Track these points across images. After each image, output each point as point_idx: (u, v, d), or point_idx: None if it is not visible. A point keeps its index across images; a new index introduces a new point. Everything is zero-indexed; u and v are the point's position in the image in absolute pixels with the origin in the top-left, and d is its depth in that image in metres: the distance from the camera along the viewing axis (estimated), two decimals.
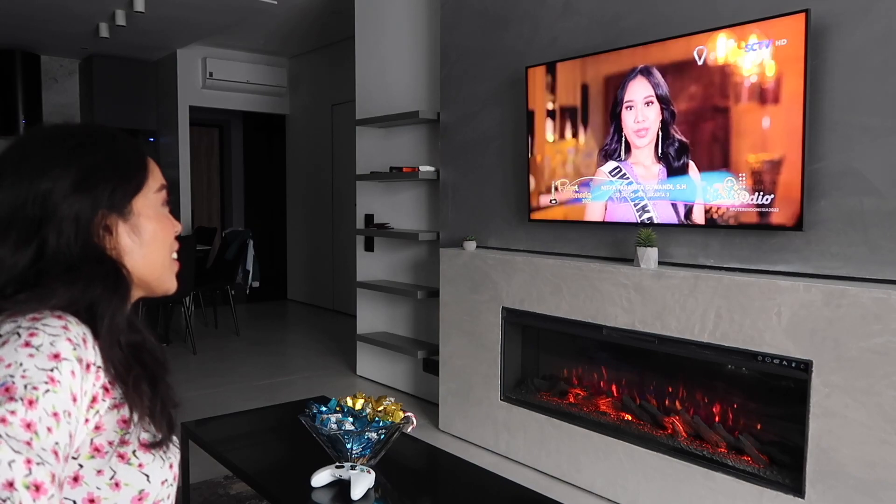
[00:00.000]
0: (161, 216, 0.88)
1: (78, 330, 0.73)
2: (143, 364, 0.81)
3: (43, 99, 7.06)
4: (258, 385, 4.40)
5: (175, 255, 0.91)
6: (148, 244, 0.86)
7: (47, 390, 0.66)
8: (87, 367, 0.73)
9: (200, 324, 6.17)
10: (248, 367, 4.87)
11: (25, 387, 0.65)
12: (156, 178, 0.88)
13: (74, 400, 0.70)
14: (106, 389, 0.76)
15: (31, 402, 0.65)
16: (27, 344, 0.68)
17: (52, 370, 0.68)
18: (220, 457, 2.11)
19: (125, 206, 0.83)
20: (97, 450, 0.75)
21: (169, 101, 7.11)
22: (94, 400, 0.74)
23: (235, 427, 2.53)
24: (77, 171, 0.80)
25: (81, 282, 0.76)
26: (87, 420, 0.73)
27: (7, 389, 0.65)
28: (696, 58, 2.42)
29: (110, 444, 0.76)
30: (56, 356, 0.69)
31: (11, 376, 0.65)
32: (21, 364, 0.67)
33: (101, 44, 6.42)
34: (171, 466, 0.82)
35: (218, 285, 5.81)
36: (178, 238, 0.92)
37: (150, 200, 0.86)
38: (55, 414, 0.66)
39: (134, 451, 0.77)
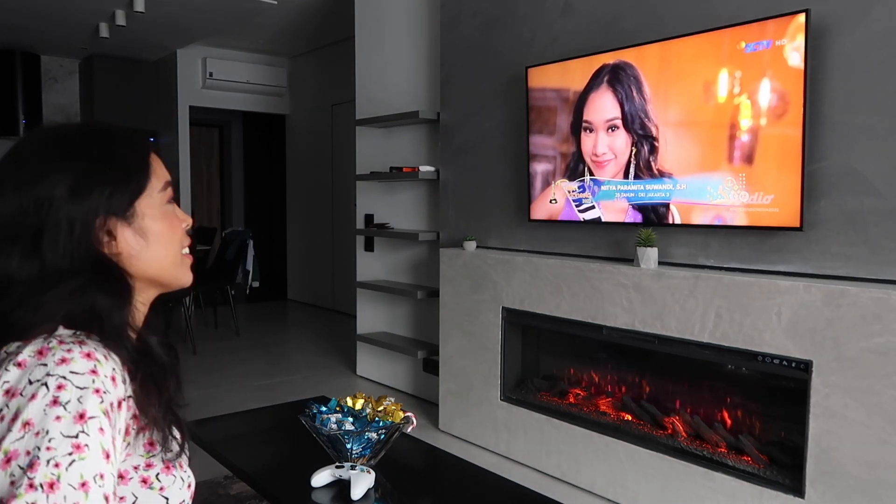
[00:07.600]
0: (167, 214, 0.86)
1: (107, 368, 0.71)
2: (149, 365, 0.80)
3: (43, 99, 7.05)
4: (258, 385, 4.40)
5: (186, 250, 0.90)
6: (155, 245, 0.83)
7: (72, 461, 0.65)
8: (119, 404, 0.72)
9: (200, 324, 6.16)
10: (248, 367, 4.87)
11: (48, 462, 0.63)
12: (159, 177, 0.86)
13: (108, 457, 0.68)
14: (135, 417, 0.75)
15: (51, 485, 0.63)
16: (55, 401, 0.66)
17: (77, 435, 0.66)
18: (220, 457, 2.11)
19: (127, 209, 0.81)
20: (121, 476, 0.74)
21: (169, 101, 7.10)
22: (126, 432, 0.74)
23: (235, 427, 2.52)
24: (73, 177, 0.77)
25: (79, 291, 0.75)
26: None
27: (32, 467, 0.63)
28: (695, 57, 2.42)
29: (135, 468, 0.76)
30: (82, 416, 0.67)
31: (38, 448, 0.64)
32: (48, 433, 0.65)
33: (101, 44, 6.41)
34: (189, 486, 0.82)
35: (218, 285, 5.80)
36: (189, 232, 0.90)
37: (154, 200, 0.84)
38: (83, 484, 0.65)
39: (157, 475, 0.77)
